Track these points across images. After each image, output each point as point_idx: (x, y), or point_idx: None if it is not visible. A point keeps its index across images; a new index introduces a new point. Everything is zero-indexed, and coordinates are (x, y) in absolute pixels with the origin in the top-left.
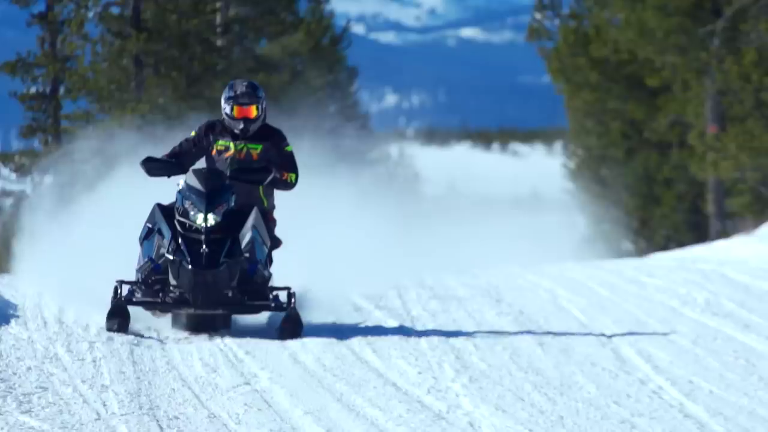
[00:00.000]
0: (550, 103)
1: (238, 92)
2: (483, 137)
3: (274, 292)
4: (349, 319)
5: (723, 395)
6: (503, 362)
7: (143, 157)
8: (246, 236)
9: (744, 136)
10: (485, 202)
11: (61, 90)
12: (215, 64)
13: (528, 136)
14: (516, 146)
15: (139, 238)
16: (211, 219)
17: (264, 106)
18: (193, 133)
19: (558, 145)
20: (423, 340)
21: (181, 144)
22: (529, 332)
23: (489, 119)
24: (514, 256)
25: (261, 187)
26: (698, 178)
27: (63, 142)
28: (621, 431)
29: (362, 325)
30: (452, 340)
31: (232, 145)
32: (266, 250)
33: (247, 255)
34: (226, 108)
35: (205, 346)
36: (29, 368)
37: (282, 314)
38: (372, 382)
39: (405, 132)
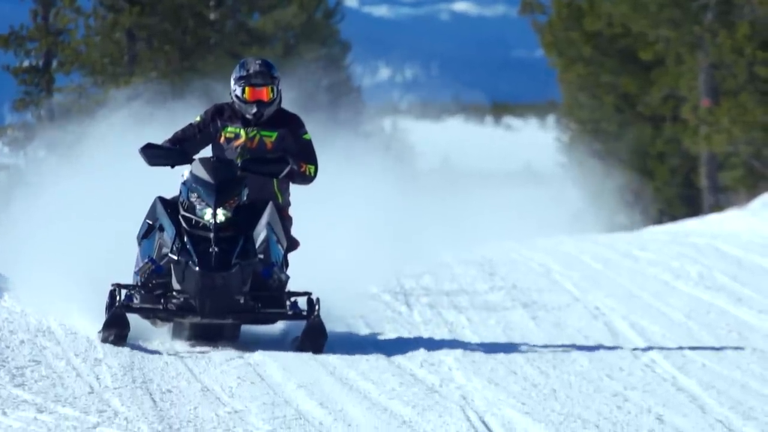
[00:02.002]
0: (543, 76)
1: (251, 71)
2: (476, 111)
3: (292, 298)
4: (342, 293)
5: (716, 368)
6: (496, 336)
7: (143, 144)
8: (260, 235)
9: (737, 109)
10: (478, 176)
11: (54, 63)
12: (208, 38)
13: (521, 109)
14: (509, 120)
15: (138, 237)
16: (221, 215)
17: (279, 87)
18: (197, 118)
19: (551, 119)
20: (416, 313)
21: (183, 129)
22: (522, 306)
23: (482, 93)
24: (507, 230)
25: (275, 181)
26: (691, 151)
27: (56, 116)
28: (614, 404)
29: (355, 299)
30: (445, 314)
31: (242, 132)
32: (282, 251)
33: (261, 256)
34: (236, 89)
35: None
36: (22, 341)
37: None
38: (365, 356)
39: (398, 105)
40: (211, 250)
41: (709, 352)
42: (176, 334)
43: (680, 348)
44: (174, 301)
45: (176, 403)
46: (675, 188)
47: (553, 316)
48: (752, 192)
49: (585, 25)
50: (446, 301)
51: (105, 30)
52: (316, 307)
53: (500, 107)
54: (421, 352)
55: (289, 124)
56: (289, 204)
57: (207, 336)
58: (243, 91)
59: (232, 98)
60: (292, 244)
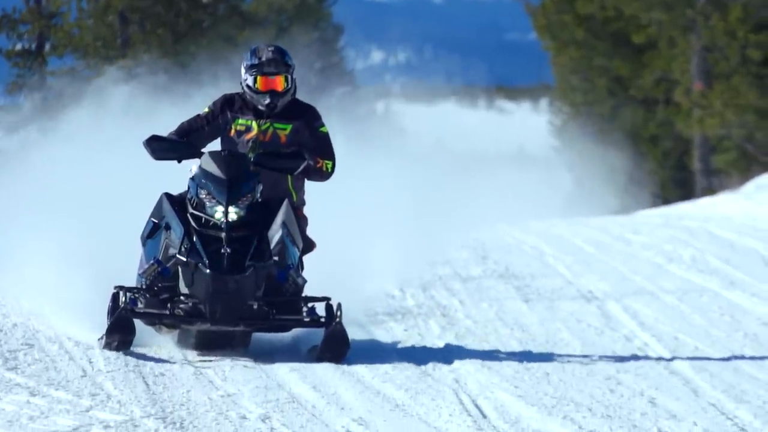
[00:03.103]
0: (536, 60)
1: (263, 59)
2: (469, 94)
3: (309, 304)
4: (334, 277)
5: (708, 351)
6: (489, 319)
7: (148, 136)
8: (275, 235)
9: (730, 92)
10: (471, 159)
11: (47, 47)
12: (201, 21)
13: (514, 92)
14: (502, 103)
15: (142, 237)
16: (233, 213)
17: (294, 75)
18: (206, 109)
19: (544, 102)
20: (409, 297)
21: (190, 121)
22: (515, 289)
23: (475, 76)
24: (500, 214)
25: (290, 178)
26: (684, 134)
27: (49, 98)
28: (606, 387)
29: (348, 283)
30: (438, 297)
31: (254, 124)
32: (298, 253)
33: (275, 258)
34: (247, 79)
35: None
36: (15, 325)
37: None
38: (357, 340)
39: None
40: (222, 251)
41: (701, 335)
42: (182, 341)
43: (673, 331)
44: (181, 306)
45: (169, 387)
46: (668, 171)
47: (545, 300)
48: (745, 175)
49: (578, 8)
50: (439, 285)
51: (98, 13)
52: (338, 313)
53: (493, 90)
54: (414, 336)
55: (305, 116)
56: (304, 203)
57: (216, 344)
58: (255, 81)
59: (242, 88)
60: (308, 245)
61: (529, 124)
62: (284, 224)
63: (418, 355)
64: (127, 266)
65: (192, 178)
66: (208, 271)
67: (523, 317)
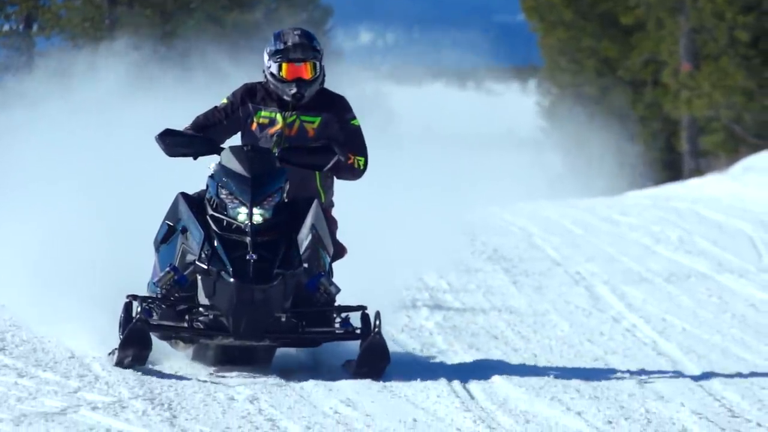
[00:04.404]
0: (524, 41)
1: (289, 44)
2: (457, 75)
3: (343, 314)
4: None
5: (696, 333)
6: (477, 301)
7: (161, 130)
8: (306, 239)
9: (717, 74)
10: (459, 140)
11: (35, 27)
12: (189, 2)
13: (502, 74)
14: (490, 84)
15: (155, 241)
16: (258, 215)
17: (323, 62)
18: (224, 100)
19: (532, 84)
20: (397, 278)
21: (206, 114)
22: (503, 271)
23: (464, 57)
24: (488, 195)
25: (318, 176)
26: (672, 116)
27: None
28: (594, 368)
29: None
30: (426, 279)
31: (279, 116)
32: (328, 259)
33: (305, 265)
34: (271, 66)
35: None
36: (3, 306)
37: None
38: None
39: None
40: (248, 257)
41: (689, 316)
42: (198, 355)
43: (661, 312)
44: (201, 318)
45: (157, 368)
46: (656, 153)
47: (533, 281)
48: (733, 156)
49: None
50: (427, 266)
51: None
52: (377, 323)
53: (481, 71)
54: (402, 317)
55: (335, 108)
56: (332, 204)
57: (236, 359)
58: (279, 68)
59: (265, 77)
60: (339, 250)
61: (517, 105)
62: (314, 227)
63: (406, 337)
64: (136, 274)
65: (211, 176)
66: (231, 280)
67: (511, 299)
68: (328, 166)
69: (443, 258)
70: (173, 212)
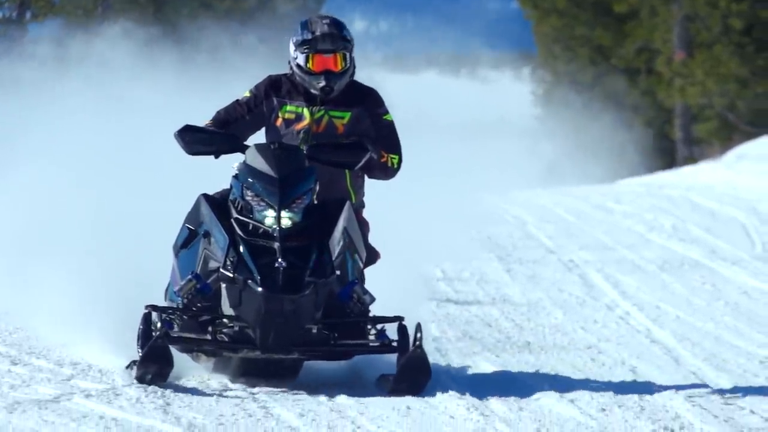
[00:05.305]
0: (518, 28)
1: (317, 33)
2: (451, 63)
3: (378, 325)
4: None
5: (689, 320)
6: (471, 288)
7: (181, 127)
8: (338, 244)
9: (711, 62)
10: (454, 128)
11: (28, 15)
12: None
13: (496, 62)
14: (484, 72)
15: (174, 246)
16: (287, 218)
17: (353, 53)
18: (246, 93)
19: (526, 71)
20: (389, 266)
21: (227, 109)
22: (497, 258)
23: (457, 45)
24: (482, 183)
25: (348, 175)
26: (665, 103)
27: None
28: (588, 356)
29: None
30: (420, 267)
31: (306, 111)
32: (361, 265)
33: (338, 272)
34: (298, 57)
35: None
36: None
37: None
38: None
39: (373, 58)
40: (276, 264)
41: (683, 304)
42: (219, 368)
43: (654, 300)
44: (225, 330)
45: None
46: (649, 140)
47: (527, 269)
48: (726, 144)
49: None
50: (421, 253)
51: None
52: (417, 335)
53: (475, 59)
54: (395, 305)
55: (366, 102)
56: (363, 205)
57: (262, 373)
58: (307, 60)
59: (291, 68)
60: (371, 255)
61: (511, 93)
62: (346, 231)
63: None
64: (150, 282)
65: (235, 177)
66: (259, 289)
67: (505, 286)
68: (360, 164)
69: (437, 246)
70: (194, 215)
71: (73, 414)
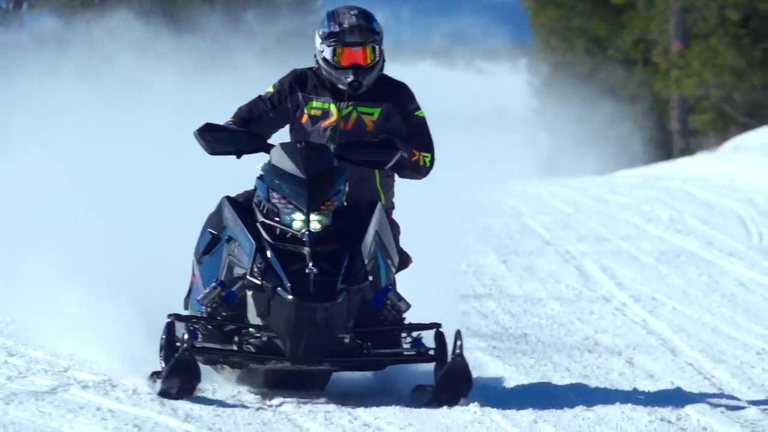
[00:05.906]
0: (515, 20)
1: (345, 25)
2: (447, 54)
3: (414, 333)
4: None
5: (686, 312)
6: (467, 280)
7: (201, 125)
8: (370, 249)
9: (707, 53)
10: (450, 120)
11: (24, 6)
12: None
13: (493, 53)
14: (480, 64)
15: (196, 252)
16: (316, 221)
17: (382, 46)
18: (269, 89)
19: (523, 63)
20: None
21: (250, 106)
22: (493, 250)
23: (453, 36)
24: (479, 174)
25: (377, 174)
26: (662, 95)
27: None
28: (584, 347)
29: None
30: (415, 259)
31: (333, 108)
32: (393, 270)
33: (371, 278)
34: (324, 51)
35: None
36: None
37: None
38: None
39: None
40: (308, 270)
41: (679, 295)
42: (244, 379)
43: (651, 291)
44: (252, 340)
45: (147, 346)
46: (646, 132)
47: (524, 260)
48: (722, 135)
49: None
50: (417, 245)
51: None
52: (457, 343)
53: (471, 51)
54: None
55: (396, 97)
56: (393, 206)
57: (290, 384)
58: (334, 53)
59: (317, 62)
60: (403, 260)
61: (507, 84)
62: (377, 234)
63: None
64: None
65: (260, 178)
66: (290, 297)
67: (501, 278)
68: (391, 163)
69: (434, 238)
70: (217, 218)
71: (69, 405)
